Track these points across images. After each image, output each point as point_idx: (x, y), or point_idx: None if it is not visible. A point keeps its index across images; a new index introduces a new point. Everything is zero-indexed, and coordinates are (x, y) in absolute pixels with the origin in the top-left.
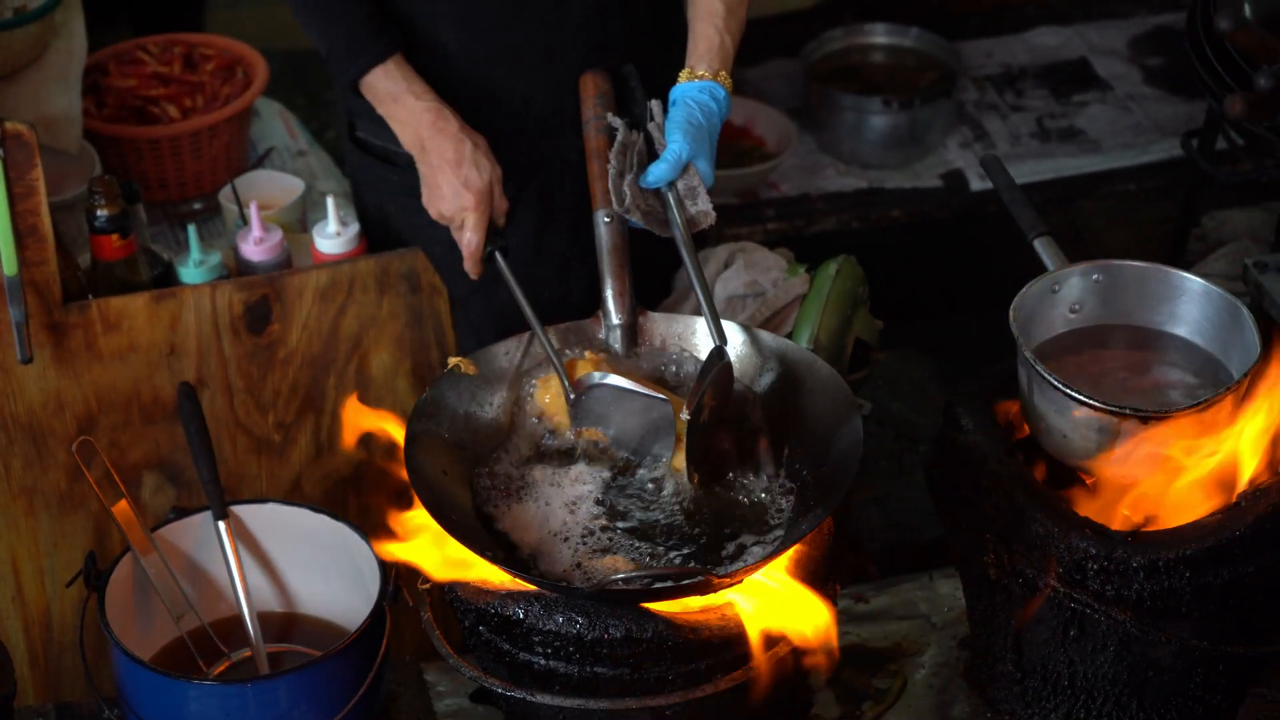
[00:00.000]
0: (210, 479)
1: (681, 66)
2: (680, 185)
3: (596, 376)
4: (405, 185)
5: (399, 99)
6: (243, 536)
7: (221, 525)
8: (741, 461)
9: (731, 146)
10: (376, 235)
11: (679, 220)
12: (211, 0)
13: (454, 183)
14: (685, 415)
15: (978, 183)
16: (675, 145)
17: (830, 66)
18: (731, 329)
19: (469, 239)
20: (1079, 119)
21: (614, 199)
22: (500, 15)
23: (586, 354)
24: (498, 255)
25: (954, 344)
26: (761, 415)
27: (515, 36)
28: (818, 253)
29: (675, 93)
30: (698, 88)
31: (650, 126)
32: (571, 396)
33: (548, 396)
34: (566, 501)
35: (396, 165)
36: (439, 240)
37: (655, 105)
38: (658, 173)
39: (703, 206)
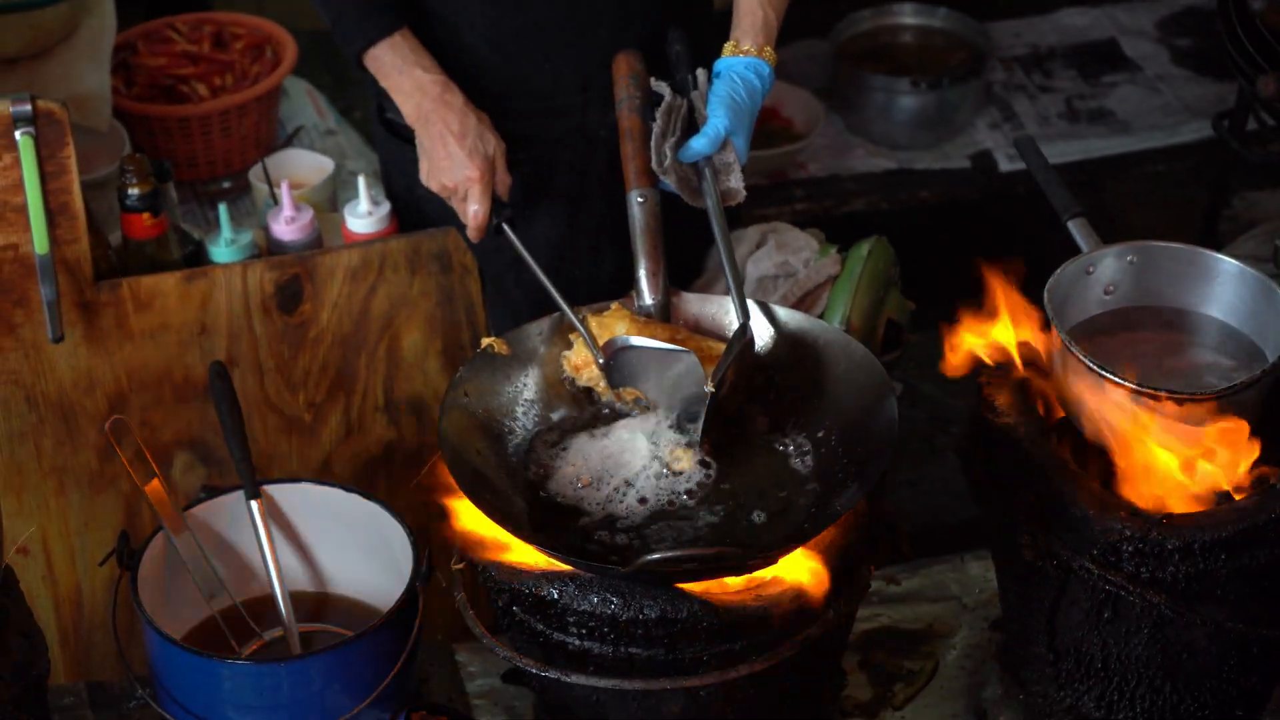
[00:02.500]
0: (242, 458)
1: (707, 42)
2: (716, 160)
3: (620, 340)
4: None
5: (404, 71)
6: (274, 516)
7: (254, 504)
8: (777, 439)
9: (760, 127)
10: (406, 216)
11: (714, 193)
12: None
13: (459, 153)
14: (709, 388)
15: (1006, 163)
16: (716, 120)
17: (859, 47)
18: (761, 310)
19: (475, 210)
20: (1108, 100)
21: (654, 159)
22: None
23: (613, 305)
24: (505, 227)
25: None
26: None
27: (543, 13)
28: (847, 233)
29: (720, 65)
30: (744, 63)
31: (693, 95)
32: (600, 360)
33: (579, 359)
34: (608, 460)
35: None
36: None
37: (701, 75)
38: (697, 146)
39: (734, 184)
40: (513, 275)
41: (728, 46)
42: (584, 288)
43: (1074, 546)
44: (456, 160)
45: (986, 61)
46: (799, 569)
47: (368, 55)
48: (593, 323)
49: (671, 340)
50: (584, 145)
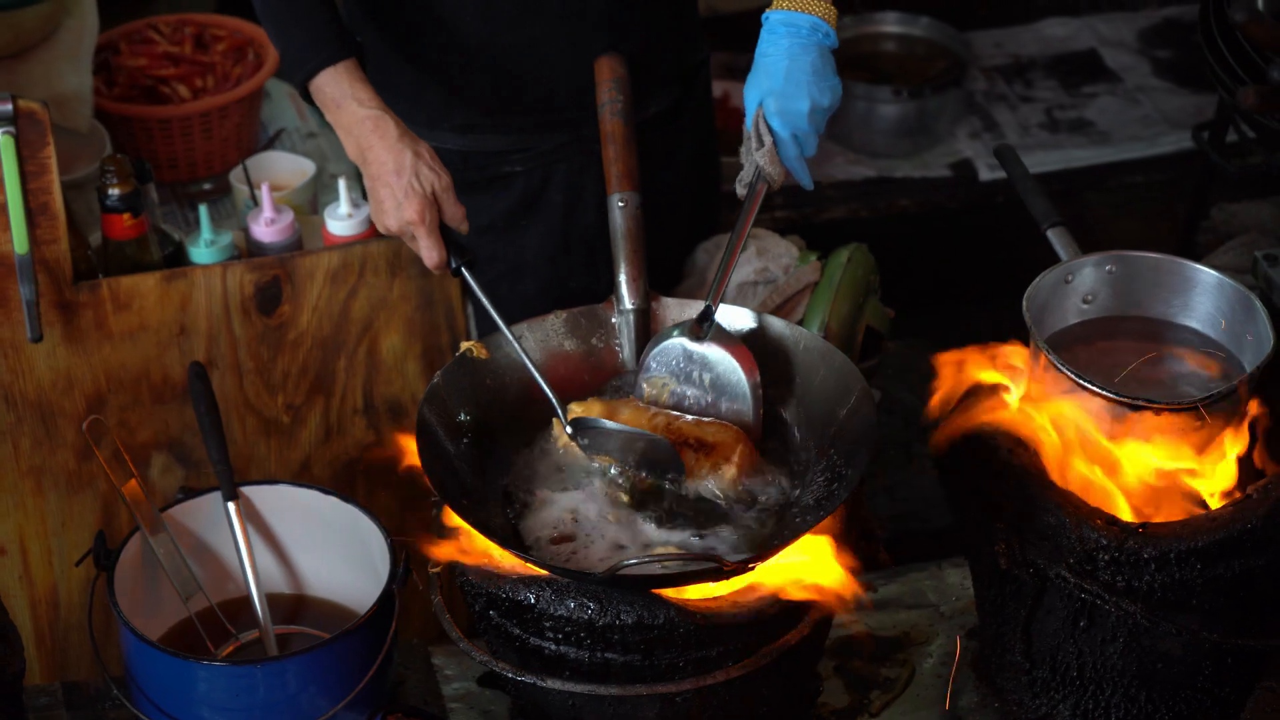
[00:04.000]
0: (220, 459)
1: (692, 54)
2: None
3: (590, 420)
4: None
5: (341, 105)
6: (252, 517)
7: (231, 506)
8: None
9: (741, 133)
10: None
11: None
12: None
13: (395, 195)
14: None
15: (987, 173)
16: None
17: (841, 55)
18: (742, 314)
19: (426, 253)
20: (1088, 110)
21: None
22: (522, 6)
23: (590, 399)
24: (464, 271)
25: (964, 333)
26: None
27: (538, 28)
28: (827, 241)
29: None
30: (774, 19)
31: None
32: (569, 432)
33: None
34: (582, 483)
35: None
36: (484, 230)
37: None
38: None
39: (763, 164)
40: (507, 284)
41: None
42: (581, 297)
43: (1050, 555)
44: (393, 202)
45: (967, 71)
46: (776, 575)
47: (311, 87)
48: (572, 404)
49: (646, 421)
50: (579, 157)
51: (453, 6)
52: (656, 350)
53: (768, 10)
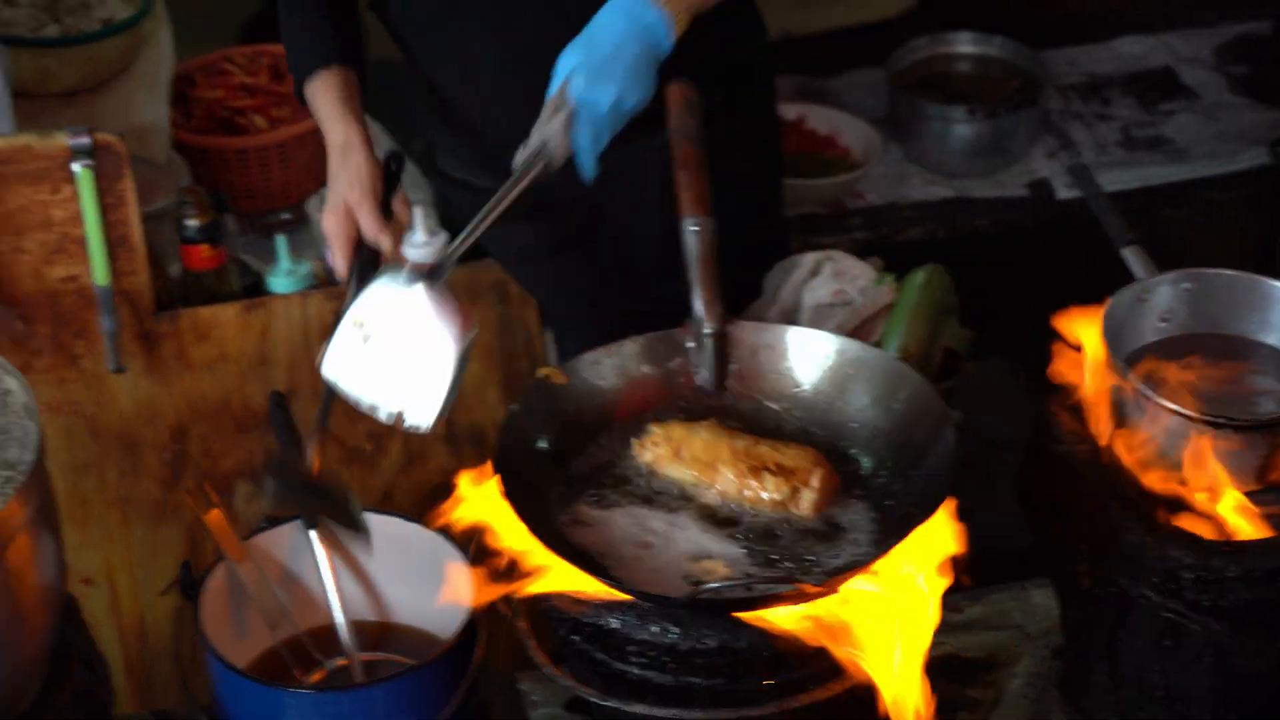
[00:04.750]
0: (301, 486)
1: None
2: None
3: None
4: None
5: (323, 121)
6: (335, 545)
7: (313, 534)
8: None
9: (817, 157)
10: (464, 256)
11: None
12: None
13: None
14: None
15: (1064, 191)
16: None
17: (915, 76)
18: (819, 337)
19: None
20: (1165, 127)
21: None
22: (541, 30)
23: (671, 422)
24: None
25: (1043, 352)
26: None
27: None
28: (905, 262)
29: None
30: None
31: None
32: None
33: (648, 454)
34: (662, 505)
35: (477, 189)
36: (529, 259)
37: None
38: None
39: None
40: (574, 309)
41: None
42: (646, 320)
43: (1133, 574)
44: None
45: (1043, 90)
46: (856, 598)
47: (306, 94)
48: (677, 426)
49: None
50: (633, 172)
51: (468, 29)
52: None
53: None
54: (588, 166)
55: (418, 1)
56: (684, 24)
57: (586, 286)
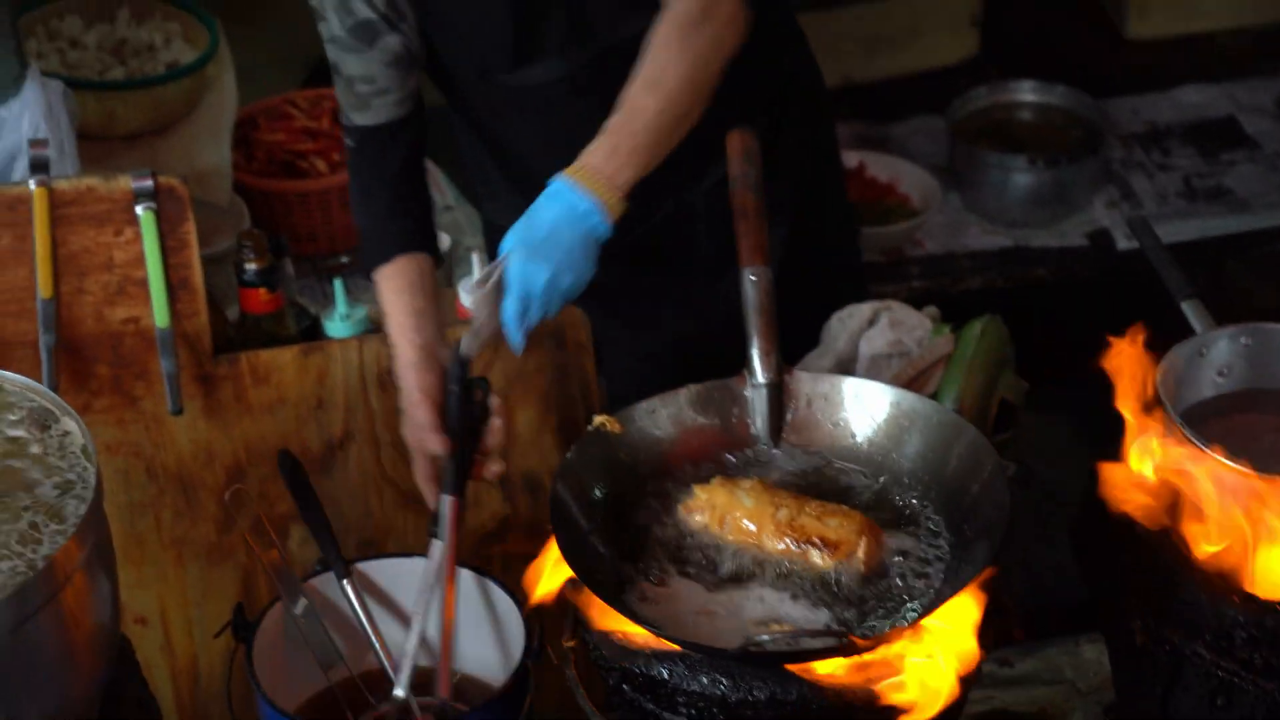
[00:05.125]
0: (328, 541)
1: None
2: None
3: None
4: None
5: (387, 316)
6: (388, 590)
7: (346, 584)
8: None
9: (876, 204)
10: None
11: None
12: None
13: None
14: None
15: (1124, 242)
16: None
17: (976, 124)
18: (875, 389)
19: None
20: (1227, 178)
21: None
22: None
23: (715, 482)
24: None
25: (1100, 406)
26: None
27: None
28: (963, 311)
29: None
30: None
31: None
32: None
33: (696, 518)
34: (714, 557)
35: None
36: (580, 303)
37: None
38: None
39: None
40: (628, 340)
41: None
42: (697, 367)
43: (1186, 631)
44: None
45: (1104, 139)
46: (910, 650)
47: (375, 279)
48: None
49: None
50: (685, 224)
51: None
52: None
53: (559, 173)
54: (515, 340)
55: (476, 95)
56: (620, 207)
57: (637, 330)
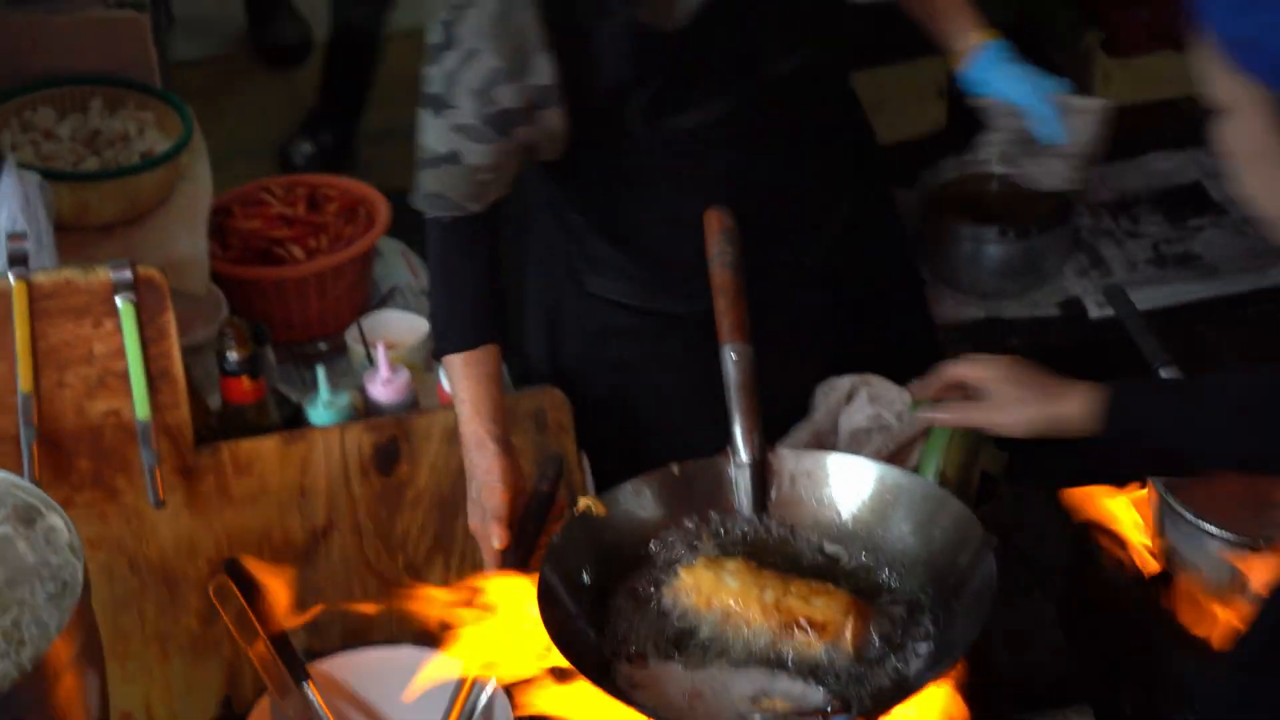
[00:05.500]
0: (281, 649)
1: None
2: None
3: None
4: (637, 327)
5: (457, 400)
6: (372, 681)
7: (306, 686)
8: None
9: None
10: (612, 381)
11: None
12: None
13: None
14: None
15: (1096, 310)
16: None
17: (946, 195)
18: (857, 463)
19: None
20: (1194, 244)
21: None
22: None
23: (699, 562)
24: None
25: (1078, 474)
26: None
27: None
28: None
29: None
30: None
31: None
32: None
33: (682, 600)
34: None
35: (629, 308)
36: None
37: None
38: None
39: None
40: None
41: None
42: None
43: (1176, 703)
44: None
45: (1074, 208)
46: None
47: (445, 364)
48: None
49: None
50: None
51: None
52: None
53: (980, 42)
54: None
55: (593, 171)
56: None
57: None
